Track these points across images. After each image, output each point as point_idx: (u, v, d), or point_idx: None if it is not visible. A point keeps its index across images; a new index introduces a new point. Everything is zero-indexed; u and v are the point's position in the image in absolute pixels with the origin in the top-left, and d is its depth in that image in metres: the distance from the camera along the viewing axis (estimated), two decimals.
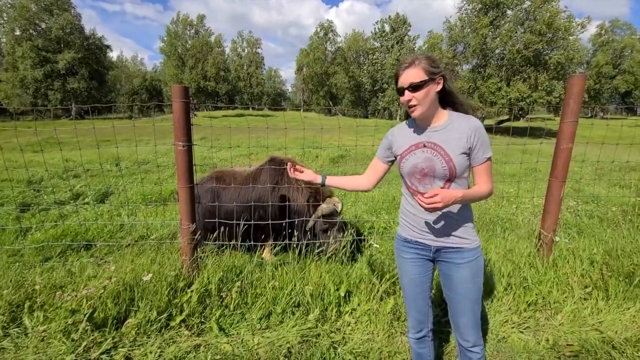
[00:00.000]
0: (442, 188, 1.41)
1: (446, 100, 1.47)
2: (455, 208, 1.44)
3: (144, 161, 10.04)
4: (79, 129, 4.46)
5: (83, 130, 16.07)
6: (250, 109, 51.21)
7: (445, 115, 1.46)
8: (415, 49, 45.52)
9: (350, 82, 51.99)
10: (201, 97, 46.64)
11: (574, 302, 2.44)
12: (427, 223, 1.48)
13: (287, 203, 3.03)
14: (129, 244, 3.43)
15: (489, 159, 1.42)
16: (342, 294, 2.39)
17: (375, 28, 49.80)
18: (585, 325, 2.29)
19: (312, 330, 2.21)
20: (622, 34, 43.66)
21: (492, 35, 25.30)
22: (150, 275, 2.32)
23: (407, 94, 1.37)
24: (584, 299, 2.49)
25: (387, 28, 48.49)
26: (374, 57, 48.69)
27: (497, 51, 25.03)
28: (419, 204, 1.31)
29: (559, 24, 23.11)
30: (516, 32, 24.13)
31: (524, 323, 2.34)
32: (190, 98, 2.41)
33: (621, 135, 3.28)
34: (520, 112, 24.88)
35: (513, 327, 2.28)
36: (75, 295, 2.25)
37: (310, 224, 2.96)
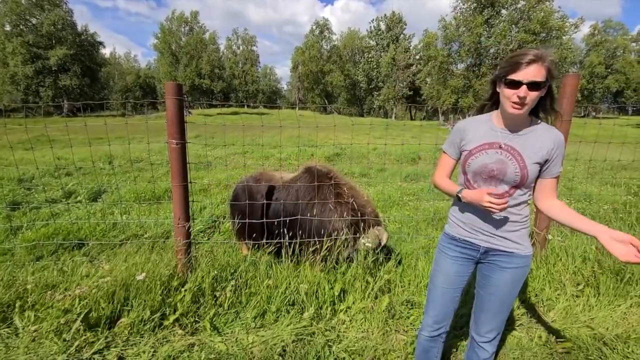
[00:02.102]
0: (506, 192, 1.37)
1: (547, 106, 1.36)
2: (510, 211, 1.38)
3: (138, 159, 9.94)
4: (70, 127, 4.40)
5: (75, 127, 15.87)
6: (246, 107, 50.98)
7: (528, 120, 1.37)
8: (411, 47, 45.63)
9: (346, 81, 51.97)
10: (196, 95, 46.35)
11: (566, 299, 2.47)
12: (480, 223, 1.43)
13: (322, 219, 2.65)
14: (122, 243, 3.40)
15: (560, 173, 1.37)
16: (337, 293, 2.39)
17: (370, 26, 49.86)
18: (577, 322, 2.32)
19: (307, 329, 2.20)
20: (614, 34, 44.18)
21: (486, 34, 25.46)
22: (144, 274, 2.30)
23: (524, 90, 1.22)
24: (576, 296, 2.52)
25: (382, 26, 48.54)
26: (370, 55, 48.72)
27: (491, 50, 25.21)
28: (485, 206, 1.28)
29: (553, 23, 23.35)
30: (510, 32, 24.30)
31: (517, 320, 2.36)
32: (184, 96, 2.38)
33: (613, 134, 3.32)
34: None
35: (506, 324, 2.30)
36: (68, 295, 2.23)
37: (346, 254, 2.61)
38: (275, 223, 2.78)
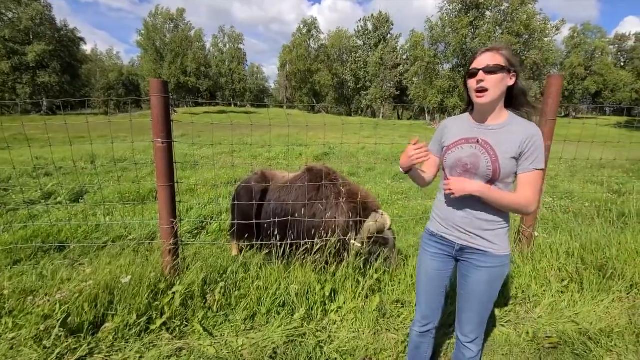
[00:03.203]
0: None
1: (512, 101, 1.41)
2: (485, 209, 1.39)
3: (121, 159, 9.69)
4: (50, 125, 4.24)
5: (55, 126, 15.35)
6: (233, 105, 50.42)
7: (505, 116, 1.40)
8: (398, 47, 46.04)
9: (334, 80, 52.03)
10: (181, 93, 45.54)
11: (552, 295, 2.52)
12: (455, 219, 1.45)
13: (323, 220, 2.62)
14: (105, 245, 3.29)
15: (538, 170, 1.32)
16: (328, 293, 2.38)
17: (358, 26, 50.03)
18: (562, 317, 2.37)
19: (298, 330, 2.18)
20: (593, 37, 45.67)
21: (472, 35, 25.90)
22: (130, 277, 2.22)
23: (481, 74, 1.31)
24: (561, 292, 2.58)
25: (369, 26, 48.79)
26: (357, 55, 48.90)
27: None
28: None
29: (535, 25, 23.94)
30: (495, 33, 24.79)
31: (505, 317, 2.39)
32: (170, 94, 2.31)
33: (595, 134, 3.41)
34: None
35: (495, 321, 2.33)
36: (48, 300, 2.13)
37: (357, 246, 2.53)
38: (278, 223, 2.75)
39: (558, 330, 2.24)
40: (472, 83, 1.35)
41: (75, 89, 39.35)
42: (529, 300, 2.53)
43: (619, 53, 48.91)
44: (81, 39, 39.55)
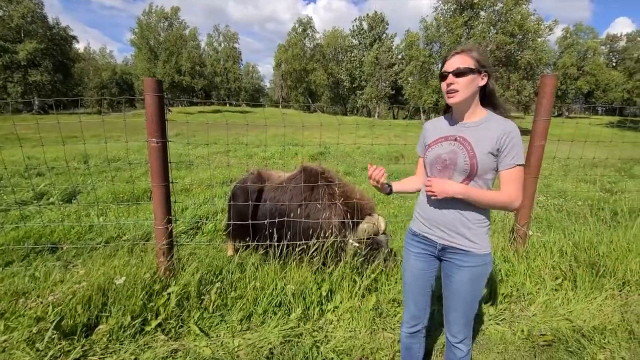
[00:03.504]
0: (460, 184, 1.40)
1: (486, 99, 1.45)
2: (467, 208, 1.40)
3: (115, 158, 9.59)
4: (42, 125, 4.18)
5: (47, 125, 15.16)
6: (228, 105, 50.16)
7: (482, 114, 1.44)
8: (393, 47, 46.14)
9: (329, 79, 51.99)
10: (176, 92, 45.22)
11: (546, 293, 2.55)
12: (437, 219, 1.46)
13: (319, 220, 2.60)
14: (99, 246, 3.26)
15: (519, 165, 1.34)
16: (325, 293, 2.37)
17: (353, 25, 50.04)
18: (556, 315, 2.39)
19: (294, 330, 2.18)
20: (585, 37, 46.21)
21: (466, 35, 26.04)
22: (124, 278, 2.20)
23: (450, 78, 1.37)
24: (555, 290, 2.60)
25: (365, 26, 48.82)
26: (353, 54, 48.91)
27: None
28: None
29: (529, 26, 24.12)
30: (489, 33, 24.95)
31: (500, 315, 2.41)
32: (164, 93, 2.29)
33: (589, 133, 3.45)
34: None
35: (490, 320, 2.35)
36: (41, 302, 2.11)
37: (351, 249, 2.52)
38: (274, 223, 2.73)
39: (552, 328, 2.26)
40: (443, 85, 1.41)
41: (68, 87, 38.87)
42: (524, 298, 2.55)
43: (611, 53, 49.57)
44: (73, 37, 39.07)
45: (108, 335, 2.03)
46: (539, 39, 24.96)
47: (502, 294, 2.53)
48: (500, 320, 2.36)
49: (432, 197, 1.38)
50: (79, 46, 47.04)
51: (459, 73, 1.35)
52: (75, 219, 4.37)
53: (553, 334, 2.21)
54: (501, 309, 2.45)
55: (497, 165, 1.37)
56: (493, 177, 1.41)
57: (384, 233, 2.60)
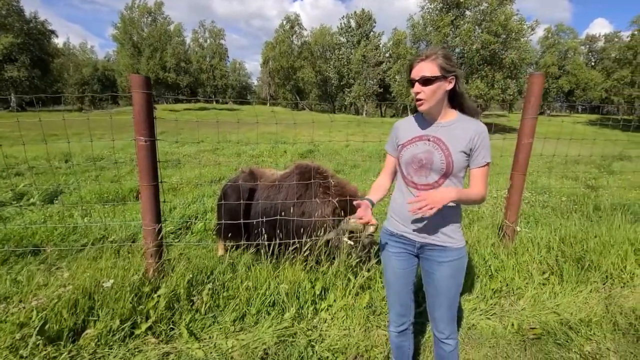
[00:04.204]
0: (435, 182, 1.42)
1: (455, 101, 1.47)
2: (445, 206, 1.41)
3: (98, 157, 9.33)
4: (21, 122, 4.02)
5: (26, 123, 14.63)
6: (215, 102, 49.48)
7: (453, 114, 1.47)
8: (380, 45, 46.35)
9: (317, 77, 51.87)
10: (161, 90, 44.28)
11: (534, 288, 2.61)
12: (414, 218, 1.47)
13: (312, 219, 2.59)
14: (83, 248, 3.15)
15: (487, 164, 1.42)
16: (318, 291, 2.37)
17: (341, 23, 49.95)
18: (544, 309, 2.45)
19: (289, 330, 2.16)
20: (566, 37, 47.50)
21: (452, 34, 26.37)
22: (112, 281, 2.14)
23: (417, 87, 1.37)
24: (543, 284, 2.67)
25: (352, 24, 48.81)
26: (340, 52, 48.88)
27: (457, 50, 26.14)
28: (412, 209, 1.30)
29: (513, 26, 24.59)
30: (474, 32, 25.33)
31: (491, 310, 2.45)
32: (152, 90, 2.23)
33: (573, 131, 3.54)
34: (478, 108, 26.32)
35: (481, 314, 2.39)
36: (23, 307, 2.02)
37: (330, 236, 2.52)
38: (268, 222, 2.70)
39: (541, 322, 2.32)
40: (412, 91, 1.41)
41: (47, 84, 37.55)
42: (513, 293, 2.60)
43: (590, 53, 51.16)
44: (52, 32, 37.71)
45: (96, 339, 1.97)
46: (522, 39, 25.48)
47: (492, 289, 2.57)
48: (491, 315, 2.40)
49: (427, 212, 1.28)
50: (58, 41, 45.42)
51: (425, 81, 1.35)
52: (58, 220, 4.22)
53: (542, 327, 2.26)
54: (491, 304, 2.49)
55: (468, 164, 1.44)
56: (464, 174, 1.48)
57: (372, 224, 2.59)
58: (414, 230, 1.50)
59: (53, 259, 3.05)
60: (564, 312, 2.40)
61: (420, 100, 1.39)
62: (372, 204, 1.54)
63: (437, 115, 1.46)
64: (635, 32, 31.13)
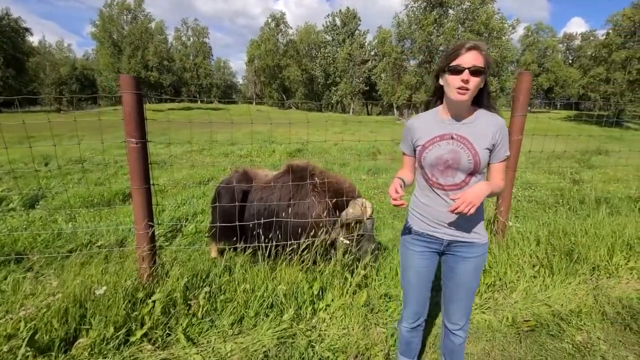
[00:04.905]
0: (462, 182, 1.41)
1: (482, 98, 1.43)
2: None
3: (81, 159, 9.03)
4: None
5: (4, 125, 13.99)
6: (199, 101, 48.64)
7: (473, 110, 1.43)
8: (366, 43, 46.57)
9: (303, 76, 51.72)
10: (143, 89, 43.14)
11: (526, 281, 2.67)
12: (442, 217, 1.46)
13: (309, 220, 2.56)
14: (70, 254, 3.05)
15: (507, 157, 1.43)
16: (316, 291, 2.36)
17: (326, 21, 49.96)
18: (536, 301, 2.52)
19: (288, 331, 2.14)
20: (545, 36, 48.90)
21: (436, 33, 26.74)
22: (105, 288, 2.07)
23: (466, 75, 1.29)
24: (534, 277, 2.73)
25: (338, 22, 48.88)
26: (326, 50, 48.88)
27: (441, 48, 26.54)
28: (452, 210, 1.29)
29: (494, 24, 25.14)
30: (457, 31, 25.76)
31: (485, 304, 2.50)
32: (142, 90, 2.16)
33: (549, 127, 3.64)
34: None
35: (476, 309, 2.43)
36: (10, 318, 1.94)
37: (334, 235, 2.49)
38: (263, 223, 2.67)
39: (534, 314, 2.38)
40: (454, 80, 1.32)
41: (22, 84, 36.13)
42: (506, 286, 2.66)
43: (568, 51, 52.85)
44: (27, 30, 36.31)
45: (89, 348, 1.90)
46: (504, 37, 26.11)
47: (487, 284, 2.62)
48: (486, 309, 2.45)
49: (470, 211, 1.27)
50: (33, 39, 43.84)
51: (475, 71, 1.29)
52: (41, 226, 4.07)
53: (535, 319, 2.32)
54: (486, 298, 2.54)
55: (489, 158, 1.42)
56: (485, 169, 1.47)
57: (369, 218, 2.60)
58: (442, 229, 1.48)
59: (38, 267, 2.94)
60: (555, 303, 2.47)
61: (464, 90, 1.31)
62: (404, 183, 1.47)
63: (464, 110, 1.41)
64: (610, 31, 32.31)
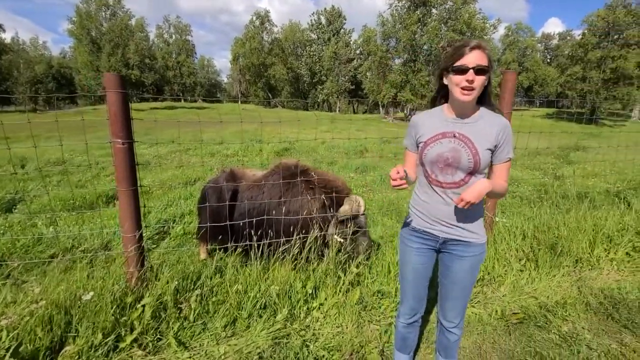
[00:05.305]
0: (461, 180, 1.41)
1: (485, 97, 1.43)
2: None
3: (59, 161, 8.72)
4: None
5: None
6: (183, 100, 47.75)
7: (477, 109, 1.43)
8: (351, 42, 46.72)
9: (289, 74, 51.46)
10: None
11: (513, 275, 2.74)
12: (439, 214, 1.47)
13: (299, 217, 2.57)
14: (51, 260, 2.94)
15: (510, 159, 1.42)
16: (310, 290, 2.35)
17: (312, 20, 49.85)
18: (523, 294, 2.58)
19: (282, 331, 2.13)
20: (524, 35, 50.25)
21: (420, 32, 27.08)
22: (92, 293, 2.01)
23: (471, 75, 1.29)
24: (520, 270, 2.81)
25: (323, 20, 48.84)
26: (312, 49, 48.79)
27: (425, 47, 26.89)
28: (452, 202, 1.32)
29: (476, 24, 25.64)
30: (441, 30, 26.16)
31: (475, 298, 2.55)
32: (128, 89, 2.10)
33: (531, 124, 3.74)
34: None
35: (467, 303, 2.47)
36: None
37: (331, 231, 2.49)
38: (254, 222, 2.64)
39: (522, 306, 2.44)
40: (459, 79, 1.33)
41: None
42: (494, 280, 2.72)
43: (546, 51, 54.49)
44: None
45: (77, 356, 1.84)
46: (485, 37, 26.69)
47: (476, 278, 2.67)
48: (476, 303, 2.50)
49: (468, 206, 1.30)
50: (5, 36, 41.98)
51: (479, 70, 1.29)
52: (20, 231, 3.91)
53: (523, 311, 2.39)
54: (475, 293, 2.60)
55: (491, 159, 1.42)
56: (487, 169, 1.47)
57: (363, 214, 2.61)
58: (438, 226, 1.49)
59: (18, 274, 2.82)
60: (541, 296, 2.55)
61: (469, 90, 1.32)
62: (406, 174, 1.42)
63: (468, 109, 1.41)
64: (586, 31, 33.47)
